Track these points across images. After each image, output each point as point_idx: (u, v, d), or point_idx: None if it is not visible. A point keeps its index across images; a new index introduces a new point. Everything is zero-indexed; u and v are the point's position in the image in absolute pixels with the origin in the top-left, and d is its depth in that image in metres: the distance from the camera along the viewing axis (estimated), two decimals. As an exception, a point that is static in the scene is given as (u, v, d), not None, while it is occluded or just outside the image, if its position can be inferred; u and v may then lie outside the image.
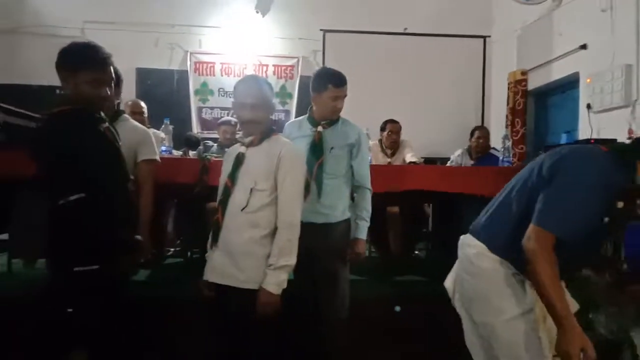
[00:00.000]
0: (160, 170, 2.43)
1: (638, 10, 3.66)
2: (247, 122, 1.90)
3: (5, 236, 3.20)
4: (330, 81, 2.27)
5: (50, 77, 5.83)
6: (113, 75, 1.84)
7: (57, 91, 5.44)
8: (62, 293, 1.73)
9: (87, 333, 1.75)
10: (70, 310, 1.67)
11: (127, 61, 5.44)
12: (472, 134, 4.29)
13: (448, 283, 1.75)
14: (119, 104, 2.51)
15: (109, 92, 1.80)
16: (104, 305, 1.73)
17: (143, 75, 5.65)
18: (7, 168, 2.90)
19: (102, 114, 1.84)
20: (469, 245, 1.64)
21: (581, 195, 1.37)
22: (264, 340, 1.82)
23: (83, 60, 1.74)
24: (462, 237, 1.71)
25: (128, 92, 5.56)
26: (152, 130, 3.78)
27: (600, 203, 1.39)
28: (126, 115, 2.43)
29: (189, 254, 3.81)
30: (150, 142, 2.36)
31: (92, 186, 1.67)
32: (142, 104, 3.89)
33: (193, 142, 4.46)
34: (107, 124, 1.82)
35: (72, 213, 1.66)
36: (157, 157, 2.40)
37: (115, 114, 2.33)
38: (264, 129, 1.89)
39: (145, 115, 3.87)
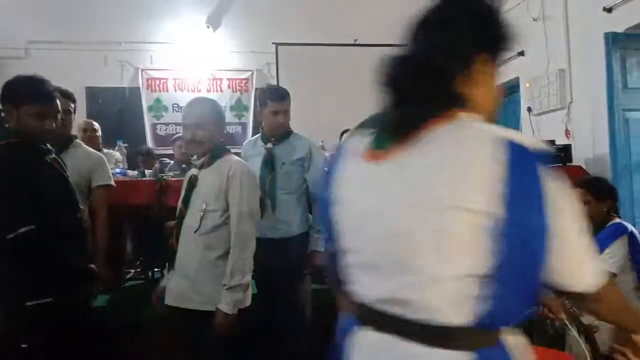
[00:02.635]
0: (117, 193, 2.43)
1: (566, 19, 3.93)
2: (189, 142, 1.92)
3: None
4: (268, 97, 2.34)
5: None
6: (59, 107, 1.84)
7: (1, 114, 5.26)
8: (16, 330, 1.69)
9: None
10: (24, 346, 1.63)
11: (75, 80, 5.31)
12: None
13: None
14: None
15: (54, 125, 1.78)
16: (62, 338, 1.70)
17: (93, 94, 5.53)
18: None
19: (48, 145, 1.82)
20: None
21: None
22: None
23: (27, 94, 1.72)
24: None
25: (79, 112, 5.35)
26: (107, 151, 3.74)
27: None
28: (78, 141, 2.41)
29: (150, 274, 3.76)
30: (104, 167, 2.35)
31: (42, 217, 1.65)
32: (95, 123, 3.82)
33: (145, 153, 4.56)
34: (53, 155, 1.81)
35: (21, 246, 1.64)
36: (112, 182, 2.38)
37: (68, 140, 2.31)
38: (208, 149, 1.89)
39: (99, 134, 3.81)
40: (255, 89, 5.90)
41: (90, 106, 5.45)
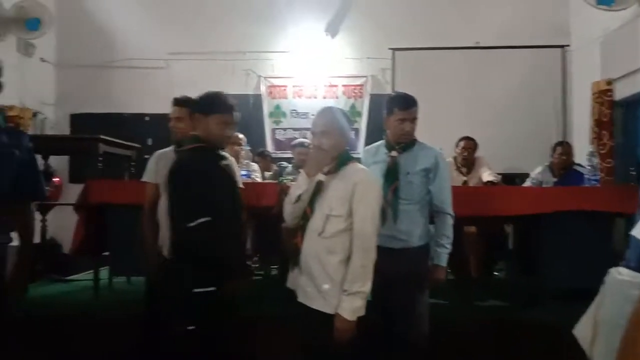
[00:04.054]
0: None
1: None
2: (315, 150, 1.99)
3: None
4: (395, 105, 2.29)
5: (138, 106, 6.40)
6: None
7: (146, 118, 5.93)
8: (181, 313, 1.92)
9: (206, 351, 1.90)
10: (192, 327, 1.86)
11: (206, 88, 5.77)
12: (553, 149, 4.09)
13: (582, 331, 1.38)
14: None
15: (232, 133, 2.09)
16: (219, 326, 1.90)
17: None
18: (107, 194, 3.22)
19: (223, 152, 2.12)
20: (631, 283, 1.18)
21: None
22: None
23: (215, 106, 2.03)
24: (612, 270, 1.25)
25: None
26: (250, 162, 4.03)
27: None
28: None
29: (267, 270, 3.96)
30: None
31: (215, 213, 1.90)
32: (241, 136, 4.07)
33: (264, 155, 4.93)
34: (227, 162, 2.09)
35: (198, 235, 1.88)
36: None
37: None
38: (335, 157, 1.94)
39: (242, 145, 4.07)
40: (371, 94, 5.92)
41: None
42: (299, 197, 1.97)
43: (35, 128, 5.77)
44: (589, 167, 3.13)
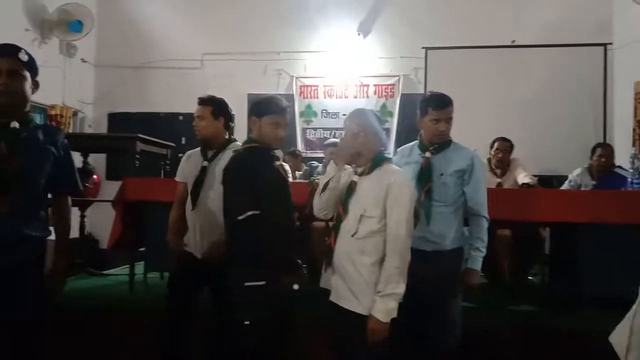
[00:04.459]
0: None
1: None
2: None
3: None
4: (430, 104, 2.25)
5: (173, 106, 6.53)
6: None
7: (180, 117, 6.06)
8: (236, 306, 1.97)
9: (256, 345, 1.95)
10: (247, 322, 1.92)
11: (240, 88, 5.92)
12: (593, 151, 3.95)
13: (618, 338, 1.42)
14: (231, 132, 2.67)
15: (284, 134, 2.16)
16: (268, 321, 1.94)
17: (254, 100, 6.04)
18: (143, 191, 3.31)
19: (276, 152, 2.20)
20: None
21: None
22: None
23: (268, 108, 2.11)
24: None
25: (241, 117, 6.02)
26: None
27: None
28: (238, 143, 2.56)
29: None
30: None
31: (266, 208, 1.96)
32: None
33: (295, 155, 4.93)
34: (280, 162, 2.16)
35: (247, 227, 1.94)
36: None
37: (227, 142, 2.54)
38: (369, 159, 1.95)
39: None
40: (402, 94, 5.87)
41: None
42: (325, 186, 2.00)
43: (75, 126, 5.99)
44: (631, 170, 3.00)
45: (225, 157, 2.43)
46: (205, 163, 2.48)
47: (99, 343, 2.87)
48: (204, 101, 2.53)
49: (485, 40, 5.46)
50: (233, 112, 2.65)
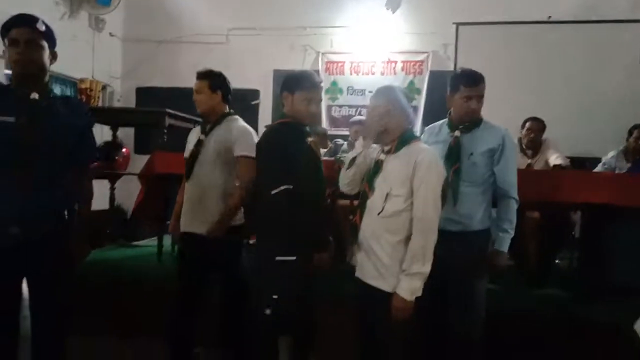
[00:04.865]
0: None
1: None
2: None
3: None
4: (461, 81, 2.19)
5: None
6: (322, 96, 2.18)
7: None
8: (266, 281, 2.00)
9: (289, 319, 1.99)
10: (275, 297, 1.94)
11: (265, 63, 5.89)
12: (630, 132, 3.80)
13: None
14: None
15: (317, 110, 2.15)
16: (299, 295, 1.97)
17: (280, 76, 6.00)
18: (170, 165, 3.35)
19: (307, 129, 2.17)
20: None
21: None
22: (391, 346, 1.87)
23: (300, 83, 2.10)
24: None
25: (266, 93, 6.02)
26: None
27: None
28: (235, 117, 2.55)
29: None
30: (245, 139, 2.42)
31: (298, 183, 1.97)
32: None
33: (321, 134, 4.67)
34: (312, 139, 2.14)
35: (281, 201, 1.95)
36: (254, 156, 2.38)
37: (224, 115, 2.52)
38: (398, 136, 1.92)
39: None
40: (431, 71, 5.73)
41: (276, 88, 5.95)
42: (353, 161, 1.99)
43: (104, 100, 6.08)
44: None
45: (220, 130, 2.46)
46: (202, 136, 2.49)
47: (126, 312, 2.97)
48: (201, 75, 2.52)
49: (519, 16, 5.25)
50: (231, 85, 2.59)
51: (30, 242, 1.78)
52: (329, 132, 5.39)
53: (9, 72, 1.87)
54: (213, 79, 2.50)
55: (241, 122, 2.54)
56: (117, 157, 4.22)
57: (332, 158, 3.32)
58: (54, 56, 1.88)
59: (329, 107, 6.04)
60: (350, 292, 2.05)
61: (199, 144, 2.48)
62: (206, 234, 2.36)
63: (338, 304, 2.54)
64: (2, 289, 1.80)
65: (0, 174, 1.74)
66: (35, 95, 1.79)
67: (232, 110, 2.60)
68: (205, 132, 2.50)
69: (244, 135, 2.45)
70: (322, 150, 4.63)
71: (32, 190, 1.77)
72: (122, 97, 6.43)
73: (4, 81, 1.85)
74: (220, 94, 2.51)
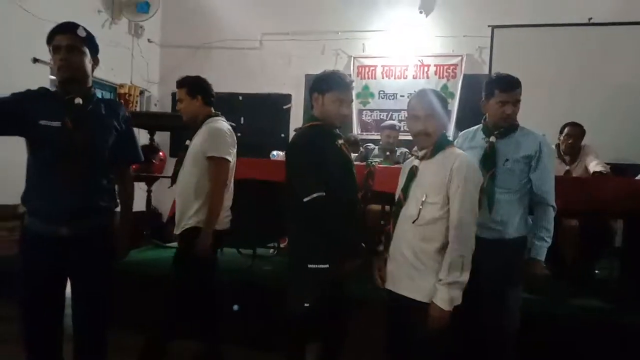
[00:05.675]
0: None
1: None
2: (417, 134, 1.90)
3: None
4: (496, 86, 2.14)
5: (233, 86, 6.61)
6: (353, 97, 2.11)
7: (240, 97, 6.17)
8: (298, 288, 2.00)
9: (319, 327, 1.99)
10: (307, 305, 1.93)
11: (298, 68, 5.94)
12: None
13: None
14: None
15: (348, 111, 2.09)
16: (330, 302, 1.96)
17: (311, 81, 6.02)
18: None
19: (338, 131, 2.12)
20: None
21: None
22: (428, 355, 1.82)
23: (331, 84, 2.04)
24: None
25: (298, 98, 6.06)
26: None
27: None
28: (216, 119, 2.53)
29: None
30: (215, 140, 2.39)
31: (330, 188, 1.93)
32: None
33: (352, 143, 4.70)
34: (342, 141, 2.10)
35: (313, 209, 1.92)
36: (222, 155, 2.39)
37: (206, 117, 2.53)
38: (435, 141, 1.87)
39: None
40: (465, 75, 5.64)
41: (308, 93, 5.97)
42: None
43: (142, 105, 6.26)
44: None
45: (201, 133, 2.46)
46: (188, 142, 2.54)
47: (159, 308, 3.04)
48: (178, 83, 2.55)
49: (558, 18, 5.11)
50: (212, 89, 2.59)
51: (76, 239, 1.85)
52: (360, 137, 5.38)
53: (54, 77, 1.94)
54: (190, 86, 2.52)
55: (216, 123, 2.49)
56: (153, 161, 4.34)
57: (363, 163, 3.30)
58: (95, 62, 1.95)
59: (360, 112, 6.02)
60: (373, 294, 2.02)
61: (185, 149, 2.52)
62: (195, 251, 2.34)
63: (362, 306, 2.52)
64: (48, 284, 1.87)
65: (48, 177, 1.82)
66: (79, 100, 1.86)
67: (218, 112, 2.59)
68: (190, 138, 2.54)
69: (213, 136, 2.41)
70: (353, 155, 4.64)
71: (80, 191, 1.84)
72: (159, 101, 6.61)
73: (50, 87, 1.94)
74: (200, 98, 2.52)
